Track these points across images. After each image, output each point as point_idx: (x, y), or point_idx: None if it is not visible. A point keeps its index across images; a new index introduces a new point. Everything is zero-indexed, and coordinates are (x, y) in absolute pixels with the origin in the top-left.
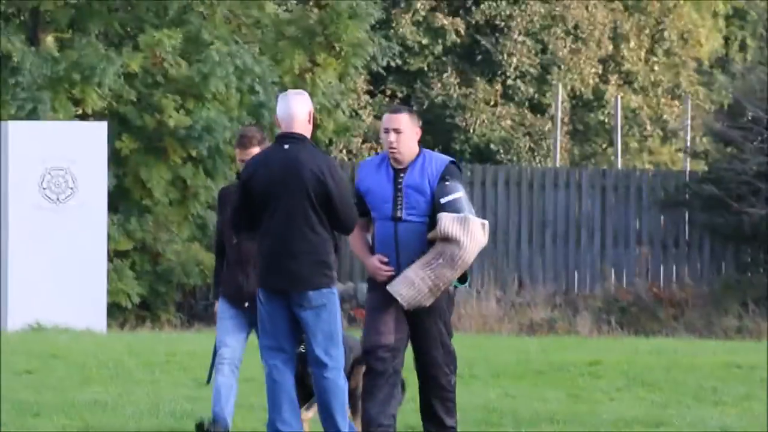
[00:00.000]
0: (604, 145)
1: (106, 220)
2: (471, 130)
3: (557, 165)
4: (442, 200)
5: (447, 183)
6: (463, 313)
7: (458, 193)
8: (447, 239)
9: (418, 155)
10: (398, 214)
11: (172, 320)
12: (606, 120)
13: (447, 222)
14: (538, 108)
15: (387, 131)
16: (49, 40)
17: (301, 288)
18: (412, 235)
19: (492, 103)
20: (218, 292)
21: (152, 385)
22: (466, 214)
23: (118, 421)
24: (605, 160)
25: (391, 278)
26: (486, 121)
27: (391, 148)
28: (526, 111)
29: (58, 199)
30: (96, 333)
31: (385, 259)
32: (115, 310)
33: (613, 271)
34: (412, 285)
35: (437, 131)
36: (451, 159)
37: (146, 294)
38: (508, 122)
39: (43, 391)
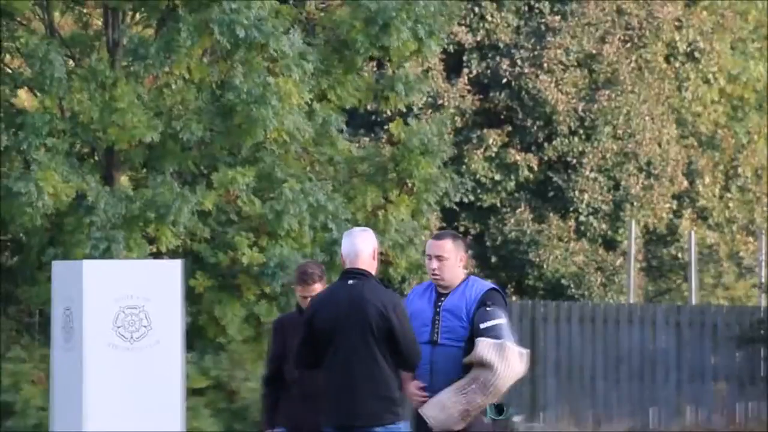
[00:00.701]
0: (678, 281)
1: (181, 358)
2: (545, 266)
3: (631, 301)
4: (482, 325)
5: (488, 309)
6: None
7: (499, 320)
8: (482, 364)
9: (463, 281)
10: (435, 338)
11: None
12: (680, 255)
13: (483, 347)
14: (610, 244)
15: (430, 258)
16: (124, 179)
17: (368, 424)
18: (447, 359)
19: (565, 239)
20: (270, 422)
21: None
22: (504, 341)
23: None
24: (679, 295)
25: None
26: (559, 257)
27: (434, 274)
28: (598, 247)
29: (132, 337)
30: None
31: (422, 385)
32: None
33: (688, 407)
34: (443, 409)
35: (510, 267)
36: (493, 286)
37: None
38: (581, 258)
39: None
